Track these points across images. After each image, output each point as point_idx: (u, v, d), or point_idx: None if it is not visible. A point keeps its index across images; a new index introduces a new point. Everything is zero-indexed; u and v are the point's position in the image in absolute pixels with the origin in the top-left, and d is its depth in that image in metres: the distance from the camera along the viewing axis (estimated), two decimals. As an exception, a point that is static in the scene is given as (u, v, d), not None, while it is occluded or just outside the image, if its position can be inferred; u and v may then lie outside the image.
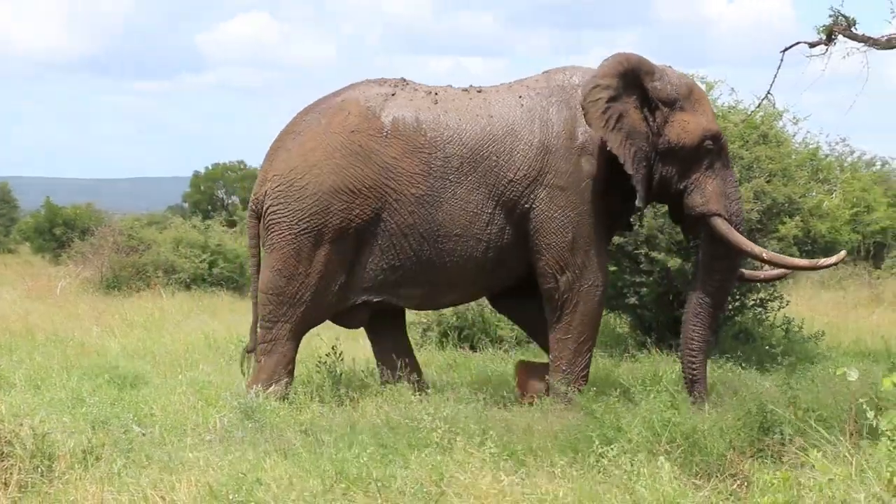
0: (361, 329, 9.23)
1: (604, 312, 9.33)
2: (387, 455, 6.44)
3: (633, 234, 10.71)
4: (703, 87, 10.15)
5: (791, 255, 10.23)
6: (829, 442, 6.03)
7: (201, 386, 8.87)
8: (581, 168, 8.42)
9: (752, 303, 11.67)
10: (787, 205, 11.28)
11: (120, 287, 18.01)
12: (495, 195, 8.37)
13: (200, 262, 18.95)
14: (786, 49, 9.72)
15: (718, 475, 6.19)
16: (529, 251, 8.47)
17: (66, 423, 6.88)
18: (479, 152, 8.36)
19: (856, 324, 13.76)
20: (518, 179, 8.37)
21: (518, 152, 8.37)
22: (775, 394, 7.31)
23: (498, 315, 11.95)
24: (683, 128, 8.42)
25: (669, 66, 8.65)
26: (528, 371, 8.85)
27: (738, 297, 11.39)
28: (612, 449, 6.22)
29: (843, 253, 8.80)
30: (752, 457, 6.49)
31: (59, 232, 27.96)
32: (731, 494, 5.88)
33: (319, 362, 9.07)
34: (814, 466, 5.39)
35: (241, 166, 37.98)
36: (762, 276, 9.60)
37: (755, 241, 9.62)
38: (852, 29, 9.53)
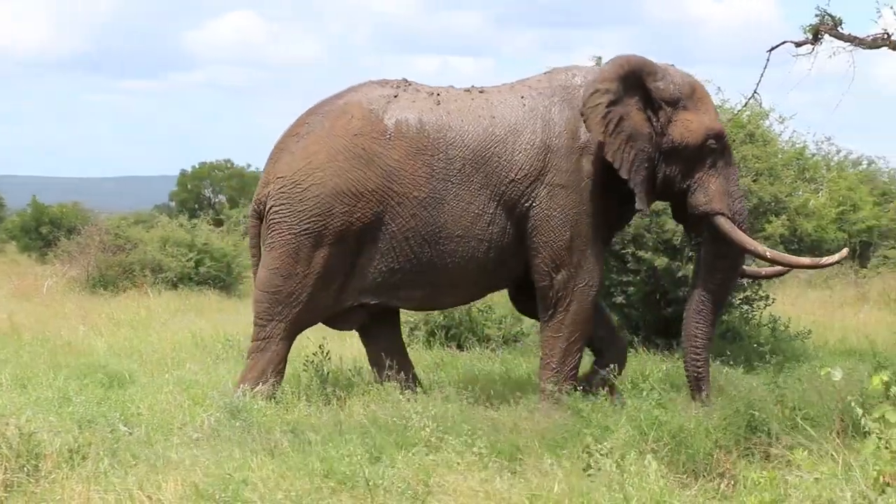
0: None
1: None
2: (374, 454, 6.44)
3: (620, 234, 10.71)
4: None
5: (778, 254, 10.23)
6: (816, 440, 6.05)
7: (188, 385, 8.86)
8: (582, 168, 8.41)
9: (739, 301, 11.69)
10: (773, 204, 11.31)
11: (107, 286, 17.94)
12: (497, 195, 8.35)
13: (187, 260, 18.90)
14: (772, 48, 9.75)
15: (706, 474, 6.21)
16: (527, 249, 8.46)
17: (52, 423, 6.84)
18: (482, 154, 8.34)
19: (842, 322, 13.79)
20: (520, 179, 8.35)
21: (520, 152, 8.35)
22: (762, 392, 7.33)
23: (485, 314, 11.96)
24: (687, 127, 8.41)
25: (672, 65, 8.65)
26: None
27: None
28: (600, 447, 6.23)
29: (845, 251, 8.77)
30: (739, 455, 6.50)
31: (45, 231, 27.85)
32: (718, 493, 5.90)
33: (306, 361, 9.05)
34: (800, 465, 5.40)
35: (229, 165, 37.98)
36: (763, 273, 9.60)
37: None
38: (838, 28, 9.55)
